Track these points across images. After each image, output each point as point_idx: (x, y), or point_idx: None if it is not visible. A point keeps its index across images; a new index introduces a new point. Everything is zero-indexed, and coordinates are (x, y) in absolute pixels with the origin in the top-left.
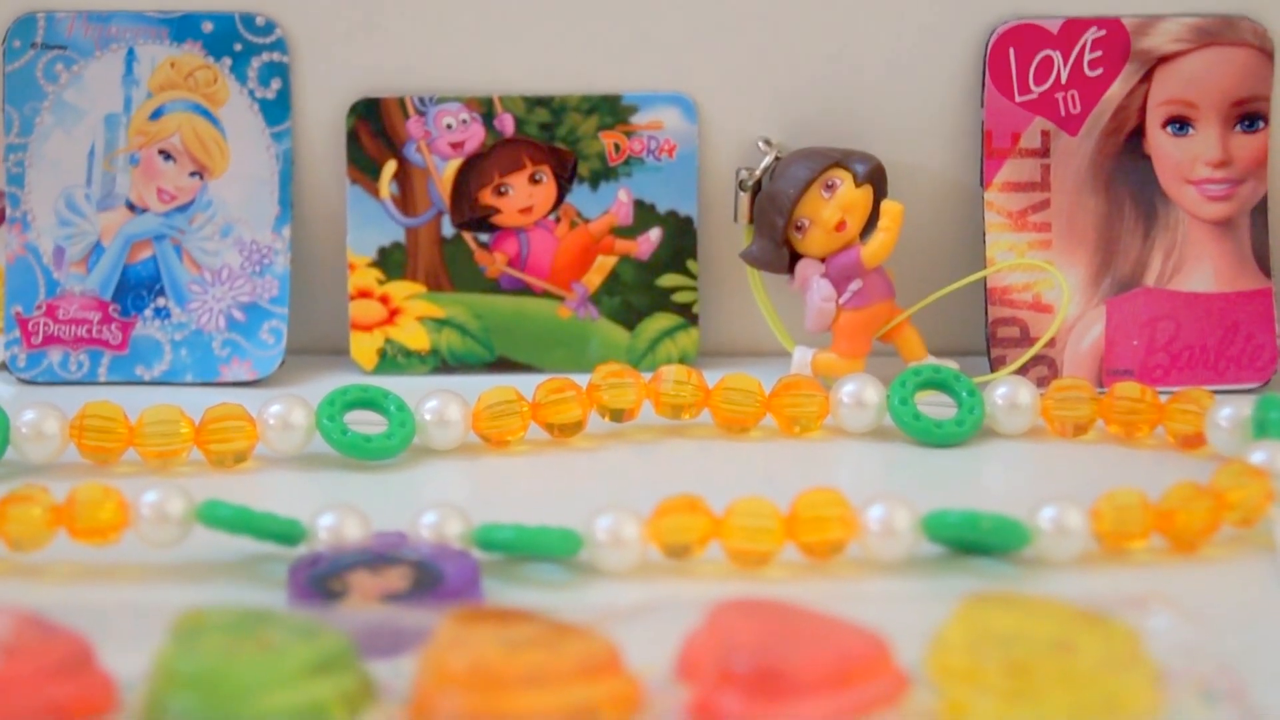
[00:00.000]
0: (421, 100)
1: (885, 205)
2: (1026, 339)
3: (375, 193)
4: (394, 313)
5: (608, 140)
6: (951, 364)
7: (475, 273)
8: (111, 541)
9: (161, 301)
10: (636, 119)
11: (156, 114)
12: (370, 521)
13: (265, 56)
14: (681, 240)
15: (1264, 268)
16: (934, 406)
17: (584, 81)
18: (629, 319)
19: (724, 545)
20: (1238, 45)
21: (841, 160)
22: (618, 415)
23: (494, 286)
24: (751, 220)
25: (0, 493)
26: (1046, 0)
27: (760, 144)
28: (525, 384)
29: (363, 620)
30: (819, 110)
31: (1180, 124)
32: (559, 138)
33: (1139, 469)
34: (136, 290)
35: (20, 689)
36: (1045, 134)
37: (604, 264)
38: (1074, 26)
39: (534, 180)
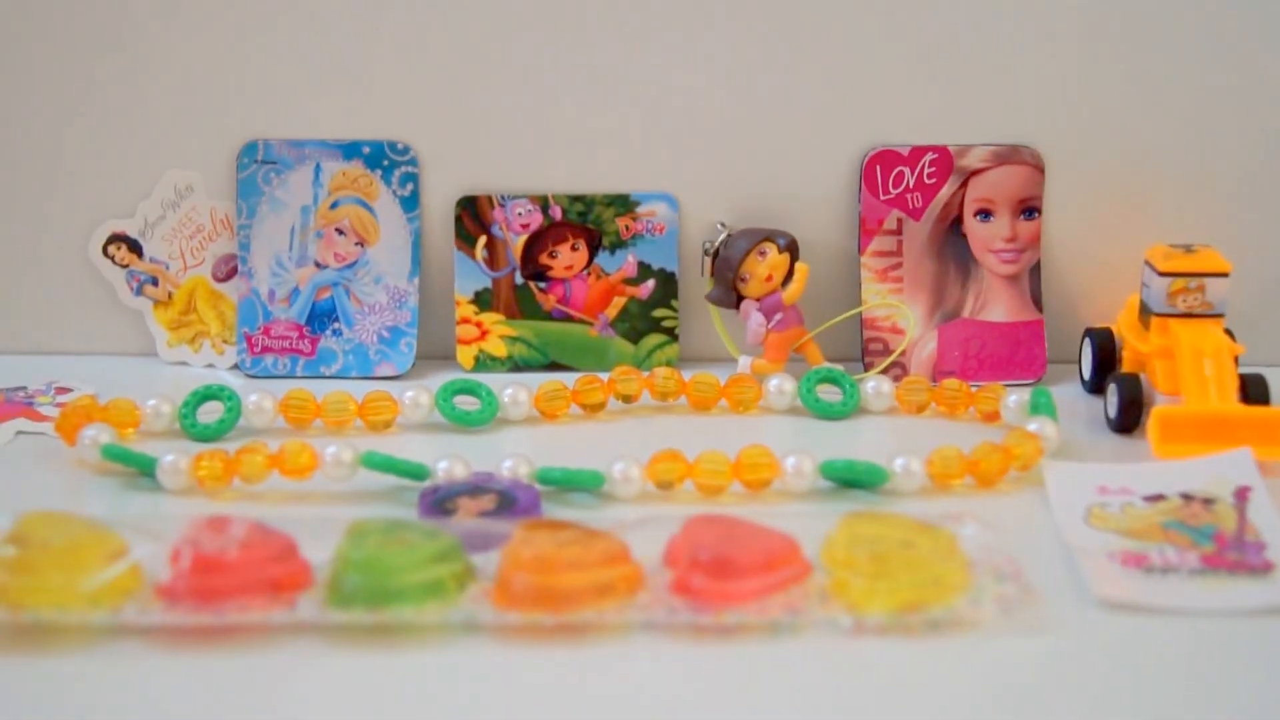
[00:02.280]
0: (502, 197)
1: (798, 265)
2: (887, 350)
3: (472, 256)
4: (484, 333)
5: (621, 223)
6: (839, 367)
7: (536, 307)
8: (306, 478)
9: (336, 325)
10: (640, 209)
11: (334, 205)
12: (470, 465)
13: (403, 169)
14: (668, 287)
15: (1038, 307)
16: (828, 394)
17: (606, 185)
18: (634, 337)
19: (694, 482)
20: (1021, 164)
21: (770, 236)
22: (627, 399)
23: (548, 316)
24: (712, 274)
25: (235, 447)
26: (900, 134)
27: (718, 225)
28: (568, 378)
29: (466, 528)
30: (756, 204)
31: (985, 214)
32: (590, 220)
33: (958, 434)
34: (321, 318)
35: (250, 569)
36: (899, 220)
37: (618, 302)
38: (918, 151)
39: (574, 248)
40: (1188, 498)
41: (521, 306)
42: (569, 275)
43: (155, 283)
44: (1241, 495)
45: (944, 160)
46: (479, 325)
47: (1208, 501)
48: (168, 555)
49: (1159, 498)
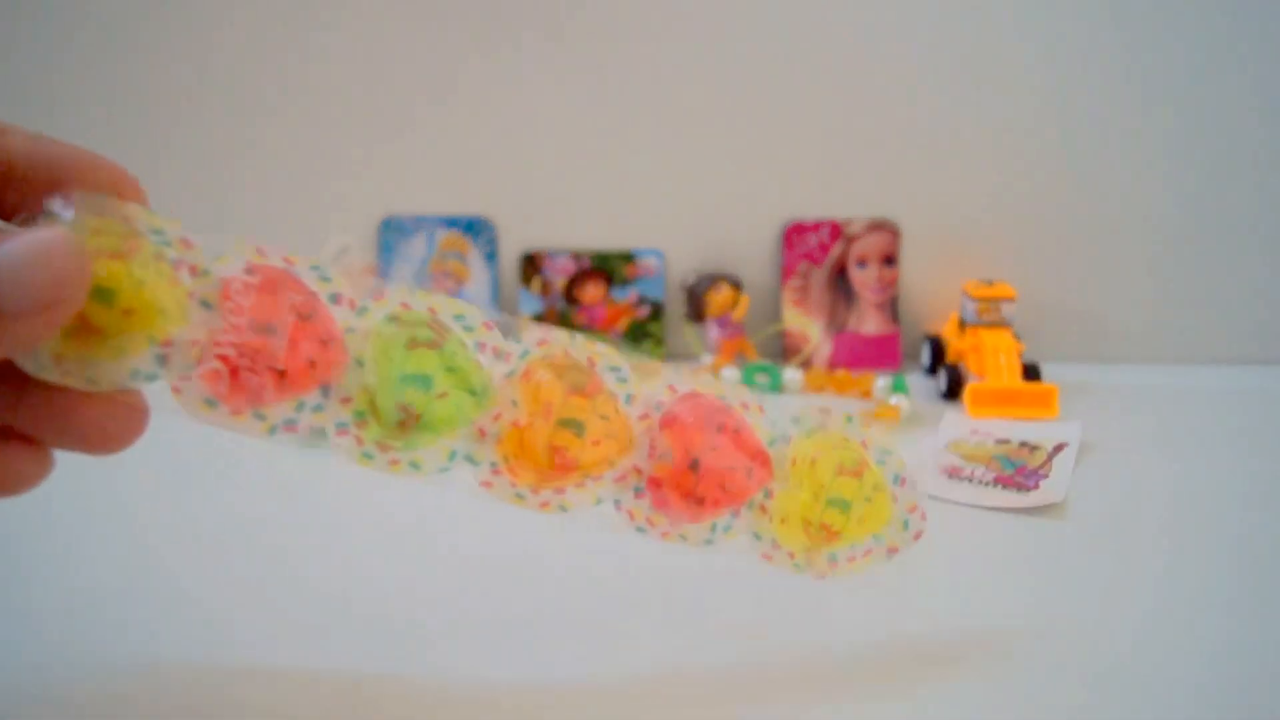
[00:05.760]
0: (550, 253)
1: (742, 296)
2: (799, 351)
3: (531, 289)
4: None
5: (626, 269)
6: (769, 361)
7: (572, 324)
8: None
9: None
10: (639, 260)
11: (441, 257)
12: None
13: (486, 234)
14: (657, 311)
15: (895, 323)
16: (761, 379)
17: (617, 244)
18: (636, 342)
19: None
20: (885, 231)
21: (724, 276)
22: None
23: (580, 330)
24: (687, 301)
25: None
26: (808, 212)
27: (690, 272)
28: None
29: None
30: (715, 256)
31: (861, 264)
32: (607, 268)
33: (845, 405)
34: None
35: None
36: (807, 267)
37: (625, 320)
38: (820, 224)
39: (596, 285)
40: (1023, 444)
41: (563, 323)
42: (594, 303)
43: None
44: (1057, 449)
45: (835, 229)
46: None
47: (1034, 448)
48: None
49: (1005, 440)
